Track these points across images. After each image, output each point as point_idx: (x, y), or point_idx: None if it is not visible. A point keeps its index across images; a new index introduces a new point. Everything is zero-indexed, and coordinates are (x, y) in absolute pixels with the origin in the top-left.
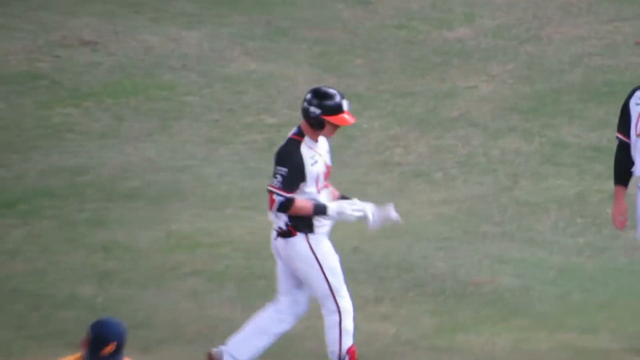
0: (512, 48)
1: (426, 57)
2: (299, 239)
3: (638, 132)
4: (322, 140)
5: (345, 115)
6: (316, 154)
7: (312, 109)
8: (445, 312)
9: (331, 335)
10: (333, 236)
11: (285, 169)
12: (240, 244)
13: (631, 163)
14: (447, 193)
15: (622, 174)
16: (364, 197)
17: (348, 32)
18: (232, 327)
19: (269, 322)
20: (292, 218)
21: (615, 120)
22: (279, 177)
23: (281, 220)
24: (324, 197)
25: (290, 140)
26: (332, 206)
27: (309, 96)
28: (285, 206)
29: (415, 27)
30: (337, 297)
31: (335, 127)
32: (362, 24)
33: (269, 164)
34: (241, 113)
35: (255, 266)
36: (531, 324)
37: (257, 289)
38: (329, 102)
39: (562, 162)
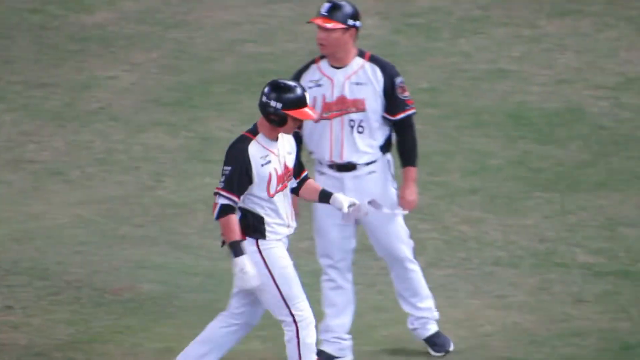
0: (156, 34)
1: (62, 45)
2: (249, 243)
3: (317, 117)
4: (285, 140)
5: (308, 110)
6: (270, 154)
7: (273, 103)
8: (82, 321)
9: (290, 350)
10: None
11: (228, 168)
12: None
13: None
14: (85, 193)
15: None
16: None
17: None
18: None
19: (218, 331)
20: (242, 220)
21: None
22: (224, 177)
23: None
24: (280, 202)
25: (240, 137)
26: (241, 260)
27: (267, 89)
28: (224, 211)
29: (51, 12)
30: (291, 307)
31: (297, 122)
32: None
33: None
34: None
35: None
36: (175, 333)
37: None
38: (290, 95)
39: (211, 159)
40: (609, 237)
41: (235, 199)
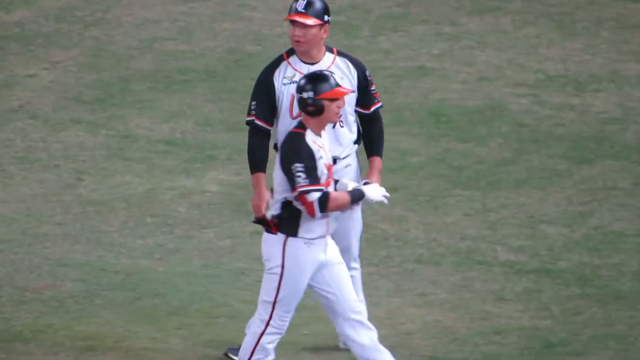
0: (76, 32)
1: None
2: (277, 239)
3: (295, 114)
4: (324, 138)
5: (340, 88)
6: (320, 149)
7: (305, 95)
8: (2, 320)
9: (248, 341)
10: None
11: (301, 165)
12: None
13: (267, 150)
14: (5, 192)
15: (262, 161)
16: None
17: None
18: None
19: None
20: (282, 212)
21: (188, 110)
22: (302, 174)
23: (272, 210)
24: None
25: (291, 134)
26: (368, 190)
27: (299, 86)
28: (325, 202)
29: None
30: (274, 310)
31: (336, 104)
32: None
33: None
34: None
35: None
36: (97, 331)
37: None
38: (318, 81)
39: (131, 157)
40: (530, 235)
41: (324, 187)
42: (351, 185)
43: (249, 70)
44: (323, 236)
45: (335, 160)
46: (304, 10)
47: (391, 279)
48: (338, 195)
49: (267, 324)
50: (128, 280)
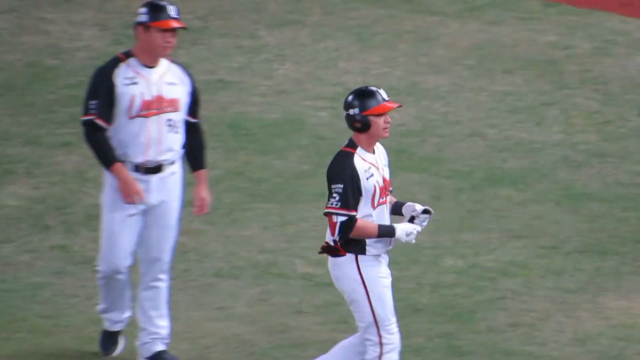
0: None
1: None
2: (348, 259)
3: (133, 114)
4: (379, 153)
5: (387, 103)
6: (371, 167)
7: (351, 111)
8: None
9: None
10: None
11: (340, 186)
12: None
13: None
14: None
15: (113, 152)
16: None
17: None
18: None
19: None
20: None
21: None
22: (336, 196)
23: (330, 236)
24: (381, 215)
25: (340, 153)
26: (400, 228)
27: (344, 105)
28: (348, 227)
29: None
30: (380, 329)
31: (383, 119)
32: None
33: None
34: None
35: None
36: None
37: None
38: (364, 97)
39: None
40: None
41: (354, 213)
42: (419, 208)
43: (48, 83)
44: (386, 251)
45: (160, 167)
46: (178, 17)
47: (190, 293)
48: (365, 226)
49: (381, 345)
50: None
